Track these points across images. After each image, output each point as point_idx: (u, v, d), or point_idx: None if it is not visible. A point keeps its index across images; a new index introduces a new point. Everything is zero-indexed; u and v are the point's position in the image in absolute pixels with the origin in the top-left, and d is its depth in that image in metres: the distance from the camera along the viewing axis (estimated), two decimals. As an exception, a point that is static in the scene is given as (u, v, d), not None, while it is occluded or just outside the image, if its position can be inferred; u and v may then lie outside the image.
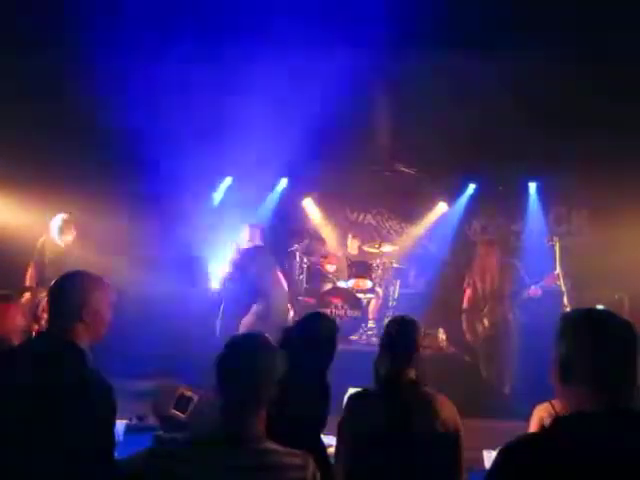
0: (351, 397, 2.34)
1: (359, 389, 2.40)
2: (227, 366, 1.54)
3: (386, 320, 4.72)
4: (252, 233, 5.81)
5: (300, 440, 1.66)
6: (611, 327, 1.28)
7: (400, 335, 2.36)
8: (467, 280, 5.70)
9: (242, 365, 1.53)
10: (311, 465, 1.53)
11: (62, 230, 5.36)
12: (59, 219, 5.37)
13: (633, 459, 1.14)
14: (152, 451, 1.59)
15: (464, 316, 5.61)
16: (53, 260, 5.28)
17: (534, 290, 5.16)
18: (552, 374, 1.31)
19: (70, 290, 1.84)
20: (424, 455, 2.10)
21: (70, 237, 5.41)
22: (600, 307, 4.63)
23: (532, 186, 7.10)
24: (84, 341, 1.80)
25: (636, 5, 4.16)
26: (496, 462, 1.24)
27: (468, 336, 5.55)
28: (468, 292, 5.66)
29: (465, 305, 5.66)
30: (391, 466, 2.09)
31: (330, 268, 6.82)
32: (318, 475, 1.55)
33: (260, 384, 1.52)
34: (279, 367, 1.58)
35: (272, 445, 1.50)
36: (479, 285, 5.57)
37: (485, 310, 5.44)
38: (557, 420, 1.25)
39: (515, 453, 1.23)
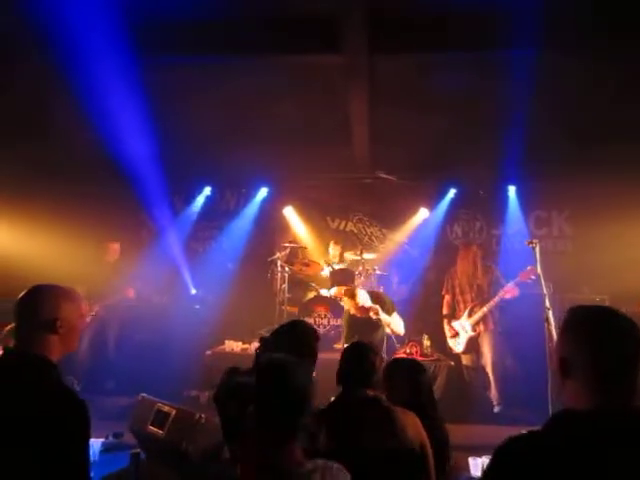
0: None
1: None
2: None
3: None
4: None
5: None
6: (614, 325, 1.27)
7: (354, 361, 2.40)
8: (445, 285, 5.67)
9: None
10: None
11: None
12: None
13: (617, 459, 1.14)
14: None
15: (445, 321, 5.58)
16: None
17: (510, 289, 5.14)
18: (554, 367, 1.30)
19: (43, 302, 1.78)
20: (379, 473, 2.05)
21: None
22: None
23: (512, 190, 7.15)
24: (56, 355, 1.76)
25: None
26: (491, 462, 1.25)
27: (450, 341, 5.51)
28: (447, 297, 5.63)
29: (445, 310, 5.63)
30: None
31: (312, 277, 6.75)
32: None
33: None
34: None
35: None
36: (458, 290, 5.54)
37: (466, 314, 5.40)
38: (551, 418, 1.24)
39: (509, 453, 1.23)
